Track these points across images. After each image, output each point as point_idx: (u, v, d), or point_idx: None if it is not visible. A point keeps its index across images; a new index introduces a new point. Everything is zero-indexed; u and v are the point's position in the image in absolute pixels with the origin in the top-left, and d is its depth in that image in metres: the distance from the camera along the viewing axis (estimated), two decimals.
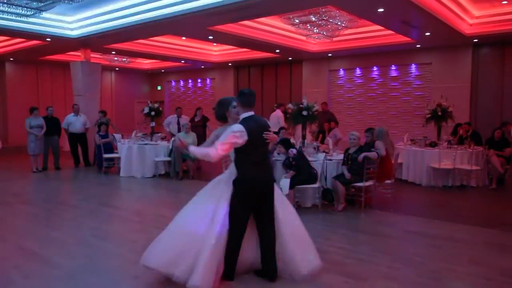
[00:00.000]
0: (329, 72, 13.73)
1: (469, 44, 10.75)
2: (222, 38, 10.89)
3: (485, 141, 8.34)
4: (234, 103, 3.56)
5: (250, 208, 3.42)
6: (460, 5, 8.79)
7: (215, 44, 13.59)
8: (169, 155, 9.09)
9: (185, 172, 9.02)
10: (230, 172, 3.52)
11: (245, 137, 3.24)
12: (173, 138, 9.26)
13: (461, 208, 6.46)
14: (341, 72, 13.56)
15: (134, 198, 7.34)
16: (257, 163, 3.40)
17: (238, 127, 3.25)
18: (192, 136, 9.07)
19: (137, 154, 9.03)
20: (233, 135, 3.22)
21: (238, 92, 3.46)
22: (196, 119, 10.21)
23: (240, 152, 3.34)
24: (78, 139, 10.50)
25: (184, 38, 12.32)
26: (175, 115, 10.62)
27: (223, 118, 3.66)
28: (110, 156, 9.54)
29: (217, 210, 3.37)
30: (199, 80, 17.83)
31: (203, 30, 9.55)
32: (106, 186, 8.37)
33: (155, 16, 8.55)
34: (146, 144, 9.26)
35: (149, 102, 10.28)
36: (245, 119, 3.34)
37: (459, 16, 9.12)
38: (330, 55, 13.00)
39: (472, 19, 9.67)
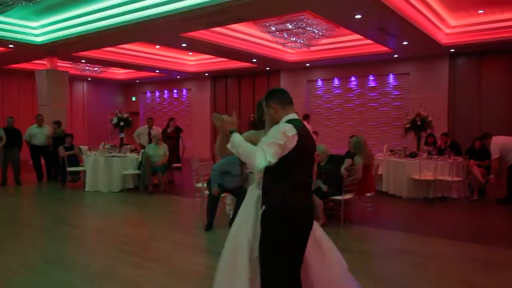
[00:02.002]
0: (307, 83, 13.50)
1: (446, 54, 10.70)
2: (197, 46, 10.51)
3: (465, 151, 8.15)
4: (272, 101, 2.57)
5: (295, 252, 2.34)
6: (436, 14, 8.69)
7: (190, 53, 13.22)
8: (138, 168, 8.55)
9: (155, 186, 8.50)
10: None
11: (295, 143, 2.25)
12: (142, 150, 8.74)
13: (445, 222, 6.18)
14: (319, 83, 13.35)
15: (96, 215, 6.77)
16: (303, 187, 2.36)
17: (288, 125, 2.27)
18: (163, 148, 8.58)
19: (103, 167, 8.46)
20: (284, 133, 2.22)
21: (268, 92, 2.51)
22: (169, 130, 9.72)
23: (281, 166, 2.24)
24: (41, 151, 9.83)
25: (158, 46, 11.93)
26: (146, 126, 10.12)
27: (260, 122, 2.78)
28: (74, 170, 8.93)
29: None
30: (175, 91, 17.36)
31: (175, 37, 9.16)
32: (68, 202, 7.76)
33: (123, 21, 8.11)
34: (113, 156, 8.70)
35: (118, 112, 9.75)
36: (291, 121, 2.36)
37: (436, 25, 9.03)
38: (308, 65, 12.79)
39: (448, 28, 9.61)
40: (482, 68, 10.66)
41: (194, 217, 6.30)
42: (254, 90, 14.90)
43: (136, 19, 7.87)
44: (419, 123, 8.28)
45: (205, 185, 6.06)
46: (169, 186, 9.13)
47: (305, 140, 2.32)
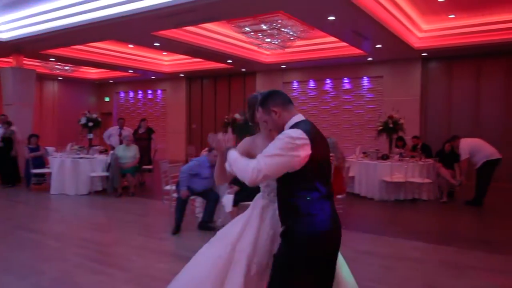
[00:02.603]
0: (283, 84, 13.46)
1: (418, 57, 10.85)
2: (170, 46, 10.31)
3: (435, 154, 8.25)
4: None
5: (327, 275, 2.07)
6: (409, 18, 8.78)
7: (165, 53, 12.99)
8: (107, 170, 8.28)
9: (125, 189, 8.24)
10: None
11: (308, 150, 1.93)
12: (111, 151, 8.48)
13: (414, 224, 6.20)
14: (295, 84, 13.33)
15: (59, 219, 6.48)
16: (326, 198, 2.02)
17: (296, 132, 1.96)
18: (133, 150, 8.35)
19: (70, 169, 8.15)
20: (289, 142, 1.92)
21: (264, 96, 2.18)
22: (140, 131, 9.48)
23: (301, 181, 1.97)
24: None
25: (131, 45, 11.67)
26: (117, 127, 9.87)
27: (253, 122, 2.48)
28: (39, 172, 8.57)
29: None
30: (149, 92, 17.03)
31: (147, 36, 8.94)
32: (30, 205, 7.43)
33: (91, 19, 7.84)
34: (81, 158, 8.40)
35: (87, 112, 9.44)
36: (299, 124, 2.06)
37: (408, 28, 9.13)
38: (283, 66, 12.76)
39: (421, 32, 9.74)
40: (453, 72, 10.86)
41: (161, 221, 6.12)
42: (230, 91, 14.77)
43: (104, 16, 7.62)
44: (391, 125, 8.34)
45: (174, 187, 5.89)
46: (139, 188, 8.90)
47: (319, 145, 2.00)
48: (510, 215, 6.84)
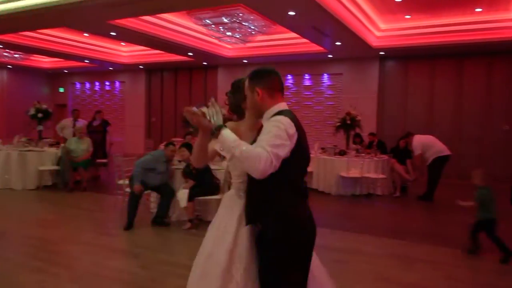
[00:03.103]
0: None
1: (376, 56, 11.11)
2: (128, 36, 9.93)
3: (389, 150, 8.49)
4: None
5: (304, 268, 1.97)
6: (367, 16, 8.95)
7: (123, 43, 12.54)
8: (58, 164, 7.88)
9: (77, 183, 7.88)
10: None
11: (294, 143, 1.82)
12: (62, 144, 8.08)
13: (368, 218, 6.34)
14: None
15: (2, 216, 6.07)
16: (305, 195, 1.98)
17: (287, 120, 1.81)
18: (86, 142, 8.00)
19: (17, 162, 7.69)
20: (286, 129, 1.78)
21: (254, 72, 1.97)
22: (95, 124, 9.10)
23: (280, 173, 1.79)
24: None
25: (86, 34, 11.15)
26: (71, 119, 9.44)
27: (238, 110, 2.24)
28: None
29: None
30: (107, 83, 16.42)
31: (102, 24, 8.54)
32: None
33: (41, 3, 7.37)
34: (29, 150, 7.94)
35: (36, 102, 8.93)
36: (282, 112, 1.90)
37: (367, 27, 9.31)
38: (245, 61, 12.67)
39: (379, 31, 9.97)
40: (409, 71, 11.22)
41: (114, 216, 5.90)
42: (191, 85, 14.52)
43: (54, 2, 7.20)
44: (348, 122, 8.49)
45: (127, 182, 5.68)
46: (93, 183, 8.56)
47: (303, 138, 1.89)
48: (459, 210, 7.11)
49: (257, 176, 1.72)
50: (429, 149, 7.53)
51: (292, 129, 1.80)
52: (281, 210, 1.85)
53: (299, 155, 1.85)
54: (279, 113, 1.88)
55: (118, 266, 3.99)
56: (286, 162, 1.77)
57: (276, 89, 1.98)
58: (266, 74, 1.97)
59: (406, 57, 11.04)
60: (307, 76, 12.46)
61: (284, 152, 1.76)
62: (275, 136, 1.74)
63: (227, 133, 1.78)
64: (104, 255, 4.30)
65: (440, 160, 7.52)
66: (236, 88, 2.20)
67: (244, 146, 1.75)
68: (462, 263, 4.32)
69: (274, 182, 1.79)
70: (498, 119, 10.14)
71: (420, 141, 7.66)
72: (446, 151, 7.58)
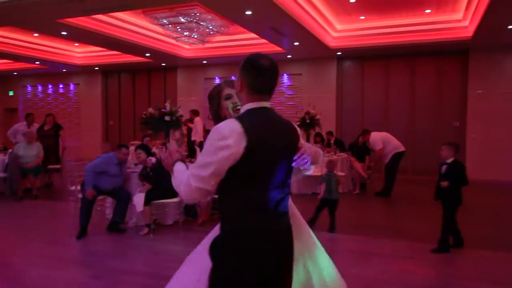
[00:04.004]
0: (205, 80, 13.25)
1: (333, 56, 11.32)
2: (81, 36, 9.55)
3: (348, 146, 8.65)
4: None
5: None
6: (324, 17, 9.09)
7: (76, 44, 12.06)
8: (5, 171, 7.42)
9: (27, 191, 7.46)
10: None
11: (241, 147, 1.55)
12: (10, 150, 7.62)
13: (328, 216, 6.40)
14: (217, 81, 13.18)
15: None
16: (264, 207, 1.65)
17: (224, 126, 1.58)
18: (36, 148, 7.59)
19: None
20: (219, 139, 1.55)
21: (250, 59, 1.70)
22: (46, 128, 8.66)
23: (228, 183, 1.63)
24: None
25: (36, 34, 10.62)
26: (24, 123, 8.92)
27: (217, 118, 2.18)
28: None
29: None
30: (60, 86, 15.73)
31: (51, 24, 8.16)
32: None
33: None
34: None
35: None
36: (249, 112, 1.67)
37: (324, 28, 9.46)
38: (205, 62, 12.54)
39: (335, 32, 10.15)
40: (365, 71, 11.51)
41: (66, 224, 5.60)
42: (150, 86, 14.18)
43: None
44: (308, 121, 8.57)
45: (79, 187, 5.42)
46: (45, 190, 8.15)
47: (265, 138, 1.60)
48: (415, 204, 7.38)
49: (186, 201, 1.75)
50: (387, 145, 7.75)
51: (231, 140, 1.53)
52: (227, 224, 1.66)
53: (252, 167, 1.59)
54: (245, 112, 1.67)
55: (68, 277, 3.77)
56: (233, 174, 1.58)
57: (260, 89, 1.68)
58: (255, 67, 1.67)
59: (362, 57, 11.32)
60: None
61: (210, 171, 1.55)
62: (203, 154, 1.60)
63: (176, 165, 1.76)
64: (53, 266, 4.06)
65: (396, 157, 7.75)
66: (210, 97, 2.22)
67: (176, 175, 1.73)
68: (417, 256, 4.43)
69: (224, 195, 1.67)
70: (449, 116, 10.60)
71: (379, 137, 7.89)
72: (402, 147, 7.83)
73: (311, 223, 5.11)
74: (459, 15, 8.96)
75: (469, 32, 8.83)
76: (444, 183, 4.45)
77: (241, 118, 1.60)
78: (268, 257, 1.64)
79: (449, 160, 4.55)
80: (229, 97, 2.13)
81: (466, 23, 8.91)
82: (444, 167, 4.55)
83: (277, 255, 1.67)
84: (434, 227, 5.17)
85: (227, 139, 1.53)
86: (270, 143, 1.62)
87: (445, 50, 10.31)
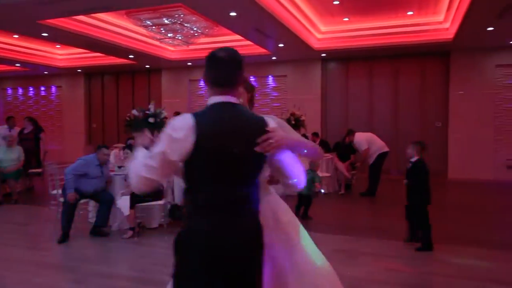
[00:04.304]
0: (190, 82, 13.17)
1: (318, 58, 11.38)
2: (62, 38, 9.39)
3: (333, 146, 8.71)
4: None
5: None
6: (308, 19, 9.13)
7: (58, 45, 11.84)
8: None
9: (7, 196, 7.28)
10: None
11: (190, 141, 1.53)
12: None
13: (314, 216, 6.41)
14: (202, 82, 13.12)
15: None
16: (216, 205, 1.61)
17: (178, 119, 1.59)
18: (17, 151, 7.42)
19: None
20: (168, 132, 1.57)
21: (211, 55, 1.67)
22: (26, 131, 8.48)
23: (187, 178, 1.64)
24: None
25: (16, 36, 10.40)
26: (6, 126, 8.72)
27: None
28: None
29: None
30: (42, 88, 15.44)
31: (32, 25, 7.99)
32: None
33: None
34: None
35: None
36: (209, 107, 1.64)
37: (308, 29, 9.50)
38: (190, 64, 12.47)
39: (319, 33, 10.21)
40: (349, 72, 11.61)
41: (48, 229, 5.47)
42: (134, 89, 14.03)
43: None
44: (293, 122, 8.58)
45: (61, 191, 5.31)
46: (26, 194, 7.95)
47: (217, 133, 1.57)
48: (399, 204, 7.40)
49: (136, 191, 1.71)
50: (371, 146, 7.83)
51: (181, 132, 1.53)
52: (184, 222, 1.67)
53: (203, 163, 1.56)
54: (208, 108, 1.64)
55: (49, 283, 3.68)
56: (188, 170, 1.60)
57: (220, 82, 1.64)
58: (211, 63, 1.66)
59: (346, 58, 11.41)
60: (252, 78, 12.48)
61: (157, 161, 1.55)
62: (155, 145, 1.60)
63: (136, 154, 1.69)
64: (34, 272, 3.95)
65: (380, 157, 7.83)
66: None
67: (136, 163, 1.66)
68: (403, 254, 4.47)
69: (184, 192, 1.68)
70: (432, 116, 10.76)
71: (364, 137, 7.99)
72: (386, 148, 7.92)
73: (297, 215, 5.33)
74: (441, 17, 9.11)
75: (450, 34, 8.99)
76: (406, 182, 4.57)
77: (198, 113, 1.61)
78: (217, 257, 1.59)
79: (414, 159, 4.61)
80: None
81: (447, 25, 9.07)
82: (409, 166, 4.62)
83: (227, 255, 1.60)
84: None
85: (177, 132, 1.54)
86: (222, 139, 1.57)
87: (427, 52, 10.48)
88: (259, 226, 1.72)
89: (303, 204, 5.98)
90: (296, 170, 1.78)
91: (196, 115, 1.58)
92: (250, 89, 2.16)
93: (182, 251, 1.63)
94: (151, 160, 1.57)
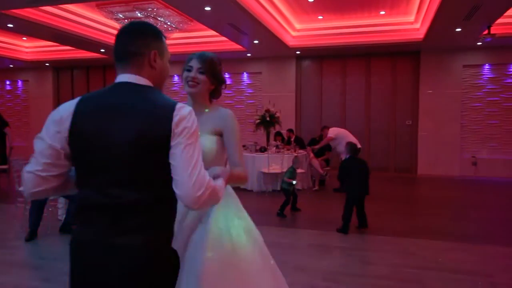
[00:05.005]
0: None
1: (293, 55, 11.45)
2: (29, 29, 9.02)
3: (308, 142, 8.79)
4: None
5: None
6: (283, 16, 9.17)
7: (24, 38, 11.40)
8: None
9: None
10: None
11: (66, 130, 1.33)
12: None
13: (287, 212, 6.47)
14: (176, 78, 12.96)
15: None
16: (86, 213, 1.33)
17: (63, 104, 1.38)
18: None
19: None
20: (46, 121, 1.37)
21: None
22: None
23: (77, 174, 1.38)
24: None
25: None
26: None
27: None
28: None
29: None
30: (7, 82, 14.83)
31: None
32: None
33: None
34: None
35: None
36: (103, 89, 1.43)
37: (283, 26, 9.54)
38: None
39: (294, 31, 10.28)
40: (323, 70, 11.74)
41: (14, 227, 5.28)
42: (105, 84, 13.67)
43: None
44: (268, 118, 8.60)
45: None
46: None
47: (92, 128, 1.30)
48: (371, 199, 7.60)
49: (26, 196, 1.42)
50: (343, 140, 7.93)
51: (59, 118, 1.32)
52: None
53: (78, 157, 1.33)
54: (102, 89, 1.44)
55: (16, 281, 3.55)
56: (73, 159, 1.36)
57: (119, 55, 1.42)
58: (119, 35, 1.42)
59: (320, 56, 11.53)
60: (227, 75, 12.42)
61: (37, 149, 1.34)
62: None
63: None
64: (2, 270, 3.80)
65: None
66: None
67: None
68: (375, 247, 4.57)
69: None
70: (402, 114, 11.05)
71: (334, 129, 8.18)
72: (358, 144, 8.03)
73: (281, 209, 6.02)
74: (411, 18, 9.35)
75: (420, 34, 9.24)
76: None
77: (85, 96, 1.38)
78: (82, 271, 1.33)
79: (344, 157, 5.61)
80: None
81: (417, 25, 9.31)
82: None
83: (89, 272, 1.30)
84: (389, 220, 5.33)
85: (56, 117, 1.33)
86: (99, 130, 1.29)
87: (398, 51, 10.73)
88: (149, 259, 1.30)
89: (288, 202, 6.14)
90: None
91: (82, 99, 1.36)
92: (215, 80, 1.95)
93: (71, 257, 1.36)
94: (35, 149, 1.34)
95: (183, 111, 1.33)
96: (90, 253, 1.30)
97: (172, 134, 1.28)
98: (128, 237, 1.27)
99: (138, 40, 1.39)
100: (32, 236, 4.72)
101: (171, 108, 1.32)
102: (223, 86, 2.04)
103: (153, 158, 1.29)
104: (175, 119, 1.30)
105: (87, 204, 1.31)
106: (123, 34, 1.40)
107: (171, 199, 1.35)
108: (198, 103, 1.95)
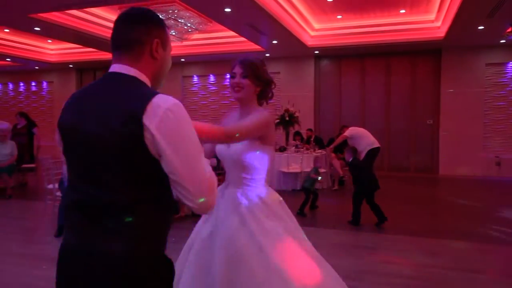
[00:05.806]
0: (183, 78, 13.17)
1: (311, 55, 11.47)
2: (55, 32, 9.32)
3: (327, 142, 8.79)
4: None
5: None
6: (302, 15, 9.20)
7: (49, 40, 11.75)
8: None
9: (1, 191, 7.23)
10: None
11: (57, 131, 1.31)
12: None
13: (308, 211, 6.51)
14: (195, 79, 13.13)
15: None
16: (70, 205, 1.24)
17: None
18: (10, 146, 7.38)
19: None
20: None
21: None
22: (19, 126, 8.42)
23: None
24: None
25: (7, 30, 10.29)
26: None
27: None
28: None
29: None
30: (33, 83, 15.29)
31: (23, 18, 7.92)
32: None
33: None
34: None
35: None
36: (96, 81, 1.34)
37: (302, 26, 9.58)
38: (183, 60, 12.46)
39: (313, 31, 10.29)
40: (341, 70, 11.71)
41: (44, 223, 5.49)
42: None
43: None
44: (287, 118, 8.65)
45: (57, 185, 5.31)
46: (19, 189, 7.92)
47: (71, 121, 1.24)
48: (391, 199, 7.58)
49: None
50: (362, 140, 7.87)
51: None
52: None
53: (63, 150, 1.29)
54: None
55: (46, 275, 3.68)
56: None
57: (112, 46, 1.32)
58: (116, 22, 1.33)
59: (339, 55, 11.51)
60: None
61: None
62: None
63: None
64: (34, 265, 3.97)
65: (372, 152, 7.91)
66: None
67: None
68: (398, 247, 4.57)
69: None
70: (423, 114, 10.93)
71: (352, 129, 8.08)
72: (377, 143, 8.00)
73: (301, 208, 6.04)
74: (432, 16, 9.25)
75: (441, 33, 9.13)
76: None
77: (81, 88, 1.34)
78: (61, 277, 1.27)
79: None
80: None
81: (438, 23, 9.21)
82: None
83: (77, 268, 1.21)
84: (409, 220, 5.32)
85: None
86: (73, 124, 1.22)
87: (419, 50, 10.62)
88: (131, 270, 1.15)
89: (308, 201, 6.24)
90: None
91: (77, 91, 1.35)
92: (259, 82, 1.96)
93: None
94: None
95: (162, 103, 1.13)
96: (72, 259, 1.22)
97: (144, 130, 1.10)
98: (108, 242, 1.14)
99: (140, 27, 1.25)
100: (61, 232, 4.89)
101: (146, 100, 1.13)
102: (272, 86, 2.07)
103: (127, 157, 1.13)
104: (149, 113, 1.11)
105: (67, 204, 1.24)
106: (121, 20, 1.28)
107: (158, 204, 1.20)
108: (245, 108, 2.01)
